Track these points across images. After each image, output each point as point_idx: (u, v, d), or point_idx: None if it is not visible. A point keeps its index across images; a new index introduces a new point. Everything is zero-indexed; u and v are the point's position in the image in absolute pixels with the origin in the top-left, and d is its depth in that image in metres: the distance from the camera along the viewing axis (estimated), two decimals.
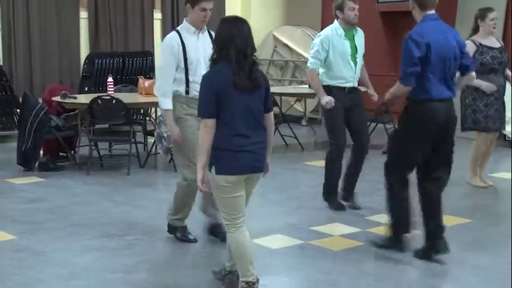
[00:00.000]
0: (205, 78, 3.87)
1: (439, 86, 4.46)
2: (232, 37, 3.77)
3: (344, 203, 6.05)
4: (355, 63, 5.89)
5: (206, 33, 5.01)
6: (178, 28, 5.02)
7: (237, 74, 3.75)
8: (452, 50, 4.51)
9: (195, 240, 5.11)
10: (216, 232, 5.05)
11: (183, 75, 4.87)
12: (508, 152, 8.39)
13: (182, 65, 4.87)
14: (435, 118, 4.46)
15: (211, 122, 3.77)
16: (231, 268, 4.17)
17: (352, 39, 5.89)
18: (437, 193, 4.69)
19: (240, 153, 3.78)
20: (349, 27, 5.88)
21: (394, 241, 4.72)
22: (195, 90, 4.71)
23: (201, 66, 4.83)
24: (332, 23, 5.99)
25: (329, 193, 6.03)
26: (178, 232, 5.16)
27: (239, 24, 3.84)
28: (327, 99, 5.76)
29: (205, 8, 4.86)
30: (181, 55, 4.85)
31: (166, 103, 4.93)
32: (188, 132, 4.88)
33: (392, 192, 4.70)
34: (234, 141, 3.78)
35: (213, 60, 3.87)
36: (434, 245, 4.63)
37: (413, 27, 4.67)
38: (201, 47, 4.89)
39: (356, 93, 5.98)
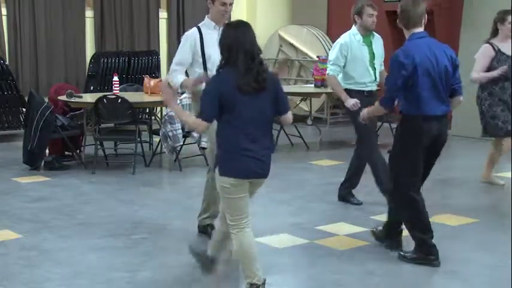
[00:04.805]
0: (213, 79, 3.92)
1: (431, 102, 4.48)
2: (240, 41, 3.82)
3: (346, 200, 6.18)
4: (374, 68, 5.96)
5: None
6: (199, 24, 5.07)
7: (243, 76, 3.77)
8: (442, 66, 4.50)
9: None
10: None
11: (201, 70, 4.94)
12: None
13: (200, 59, 4.93)
14: (427, 134, 4.52)
15: (205, 125, 3.83)
16: (213, 255, 4.23)
17: (370, 45, 5.95)
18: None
19: (244, 157, 3.81)
20: (366, 32, 5.94)
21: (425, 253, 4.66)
22: None
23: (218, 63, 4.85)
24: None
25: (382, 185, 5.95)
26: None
27: (244, 28, 3.91)
28: (353, 102, 5.80)
29: (225, 3, 4.88)
30: (199, 50, 4.93)
31: (178, 79, 4.94)
32: (211, 131, 4.80)
33: (410, 206, 4.66)
34: (240, 145, 3.80)
35: (221, 65, 3.89)
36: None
37: None
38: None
39: (374, 95, 6.02)
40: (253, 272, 3.93)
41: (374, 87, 6.03)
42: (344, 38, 5.95)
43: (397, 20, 4.64)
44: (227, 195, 3.89)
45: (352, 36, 5.92)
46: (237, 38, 3.84)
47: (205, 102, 3.84)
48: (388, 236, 4.92)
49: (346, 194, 6.19)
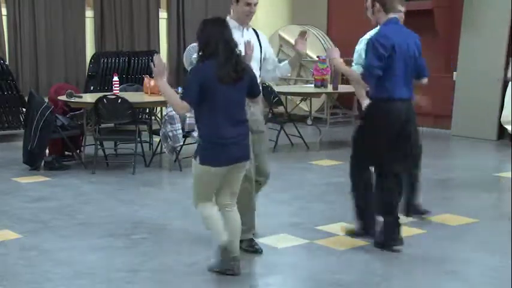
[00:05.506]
0: (195, 69, 4.21)
1: (401, 86, 4.69)
2: (219, 34, 4.10)
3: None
4: None
5: (251, 30, 4.91)
6: None
7: (223, 67, 4.05)
8: (412, 52, 4.75)
9: (260, 250, 4.84)
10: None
11: None
12: None
13: None
14: (397, 116, 4.69)
15: (187, 107, 4.12)
16: (230, 253, 4.32)
17: None
18: (394, 189, 4.90)
19: (226, 145, 4.10)
20: None
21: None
22: None
23: None
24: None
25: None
26: (242, 244, 4.73)
27: (222, 23, 4.20)
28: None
29: (249, 3, 4.76)
30: None
31: None
32: None
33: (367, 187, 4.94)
34: (221, 133, 4.10)
35: (200, 58, 4.16)
36: (389, 239, 4.89)
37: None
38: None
39: None
40: (222, 233, 4.25)
41: None
42: (370, 35, 5.54)
43: (370, 3, 4.83)
44: (202, 181, 4.23)
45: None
46: (217, 32, 4.12)
47: (191, 87, 4.11)
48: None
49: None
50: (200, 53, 4.16)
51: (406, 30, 4.85)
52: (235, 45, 4.18)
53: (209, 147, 4.14)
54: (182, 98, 4.14)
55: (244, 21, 4.84)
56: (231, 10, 4.88)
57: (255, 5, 4.81)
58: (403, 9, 5.59)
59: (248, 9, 4.79)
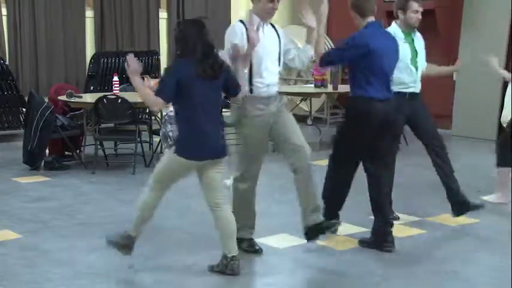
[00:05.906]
0: (171, 66, 4.37)
1: (381, 87, 4.79)
2: (198, 33, 4.23)
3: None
4: (416, 67, 5.51)
5: (270, 26, 4.74)
6: (242, 19, 4.70)
7: (200, 64, 4.18)
8: (392, 53, 4.87)
9: (260, 250, 4.86)
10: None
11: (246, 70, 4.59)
12: None
13: None
14: (376, 115, 4.77)
15: (162, 104, 4.26)
16: (228, 253, 4.35)
17: (411, 43, 5.52)
18: (375, 189, 4.98)
19: (206, 140, 4.24)
20: (408, 30, 5.50)
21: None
22: (261, 88, 4.61)
23: (265, 62, 4.58)
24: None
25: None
26: (243, 244, 4.76)
27: (201, 24, 4.31)
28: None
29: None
30: (245, 44, 4.50)
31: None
32: (253, 137, 4.64)
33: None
34: (197, 130, 4.22)
35: (178, 55, 4.30)
36: (379, 239, 4.94)
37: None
38: (266, 40, 4.60)
39: (417, 98, 5.57)
40: (140, 225, 4.49)
41: (417, 89, 5.53)
42: None
43: (351, 9, 4.95)
44: (170, 168, 4.36)
45: (393, 33, 5.36)
46: (196, 31, 4.23)
47: (166, 83, 4.23)
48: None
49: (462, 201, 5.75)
50: (178, 52, 4.30)
51: (387, 33, 4.98)
52: (213, 47, 4.27)
53: (187, 141, 4.26)
54: (156, 94, 4.23)
55: (265, 18, 4.64)
56: (252, 7, 4.68)
57: (278, 1, 4.60)
58: (420, 9, 5.57)
59: (271, 6, 4.59)
